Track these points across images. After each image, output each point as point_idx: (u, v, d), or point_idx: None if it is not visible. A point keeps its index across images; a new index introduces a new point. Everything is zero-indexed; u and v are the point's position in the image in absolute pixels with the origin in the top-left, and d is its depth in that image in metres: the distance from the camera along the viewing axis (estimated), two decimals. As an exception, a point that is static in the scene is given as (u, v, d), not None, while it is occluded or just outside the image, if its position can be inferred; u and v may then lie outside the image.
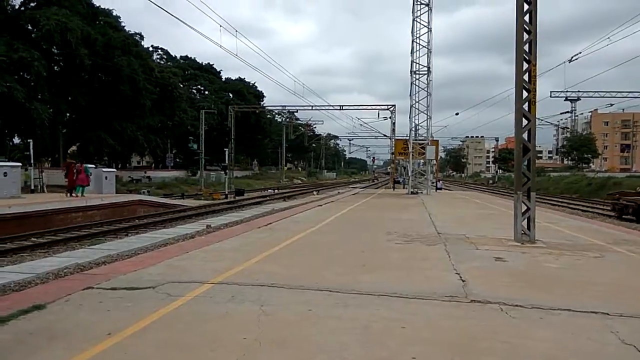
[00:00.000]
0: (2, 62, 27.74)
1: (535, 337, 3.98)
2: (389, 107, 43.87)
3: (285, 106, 53.56)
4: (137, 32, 43.80)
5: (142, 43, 44.89)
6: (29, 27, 33.19)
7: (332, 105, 49.14)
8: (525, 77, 9.18)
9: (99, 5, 39.94)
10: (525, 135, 9.26)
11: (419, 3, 27.91)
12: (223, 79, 69.36)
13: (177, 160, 62.59)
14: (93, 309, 4.57)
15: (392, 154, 39.79)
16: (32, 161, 26.08)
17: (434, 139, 34.63)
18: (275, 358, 3.45)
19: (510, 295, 5.22)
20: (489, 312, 4.66)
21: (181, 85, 53.15)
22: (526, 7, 9.18)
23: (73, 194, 20.77)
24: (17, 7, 33.82)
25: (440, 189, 37.69)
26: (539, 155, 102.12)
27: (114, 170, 28.90)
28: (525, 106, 9.21)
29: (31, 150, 25.80)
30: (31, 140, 26.49)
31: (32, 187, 24.95)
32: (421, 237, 9.71)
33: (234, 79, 70.98)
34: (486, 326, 4.24)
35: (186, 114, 49.97)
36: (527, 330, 4.14)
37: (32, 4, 34.78)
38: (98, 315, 4.36)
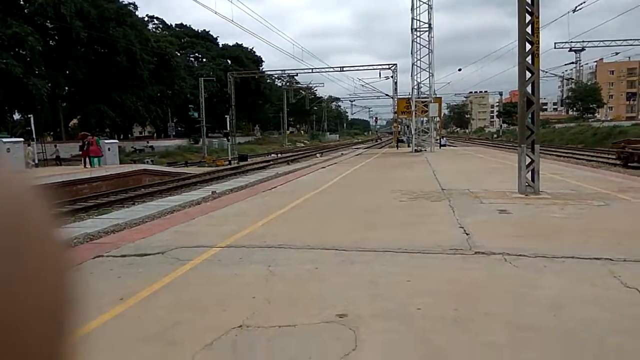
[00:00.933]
0: (-4, 38, 27.36)
1: (539, 285, 4.04)
2: (390, 66, 43.18)
3: (284, 70, 53.25)
4: (130, 2, 42.83)
5: (137, 13, 43.95)
6: (22, 3, 32.56)
7: (333, 67, 48.55)
8: (528, 29, 8.98)
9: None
10: (529, 89, 9.14)
11: (417, -45, 27.02)
12: (220, 46, 68.08)
13: (179, 129, 62.24)
14: (104, 276, 4.67)
15: (395, 113, 39.43)
16: (34, 136, 26.08)
17: (437, 96, 34.27)
18: (284, 315, 3.53)
19: (514, 245, 5.27)
20: (493, 262, 4.72)
21: (178, 54, 52.30)
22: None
23: (87, 166, 21.10)
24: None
25: (445, 145, 37.53)
26: (543, 107, 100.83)
27: (116, 141, 28.88)
28: (529, 59, 9.04)
29: (32, 126, 25.76)
30: (31, 115, 26.41)
31: (36, 162, 25.07)
32: (425, 193, 9.74)
33: (231, 45, 69.69)
34: (490, 276, 4.30)
35: (185, 82, 49.41)
36: (531, 279, 4.20)
37: (23, -22, 33.97)
38: (109, 282, 4.45)
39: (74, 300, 0.28)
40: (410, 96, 31.32)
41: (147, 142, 46.38)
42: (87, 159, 21.43)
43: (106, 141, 25.70)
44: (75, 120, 45.30)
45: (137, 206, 13.46)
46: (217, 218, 7.88)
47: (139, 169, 23.21)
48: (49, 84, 32.05)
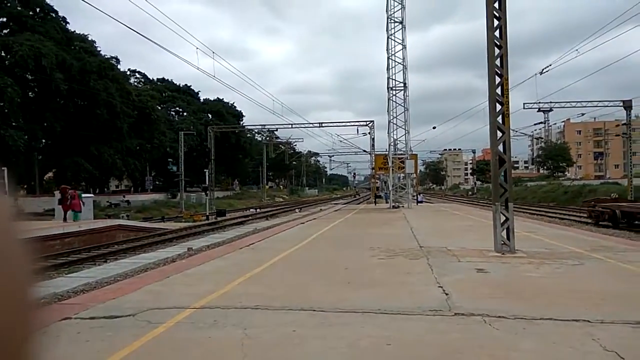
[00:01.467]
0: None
1: (518, 349, 3.99)
2: (368, 123, 44.31)
3: (264, 125, 53.80)
4: (113, 56, 43.60)
5: (119, 67, 44.66)
6: (2, 54, 32.73)
7: (312, 123, 49.34)
8: (498, 90, 9.38)
9: (74, 31, 39.69)
10: (500, 147, 9.43)
11: (392, 21, 28.44)
12: (201, 100, 69.21)
13: (157, 182, 61.72)
14: (71, 340, 4.44)
15: (373, 169, 40.05)
16: (6, 189, 25.46)
17: (413, 153, 35.08)
18: (259, 383, 3.38)
19: (493, 306, 5.25)
20: (472, 324, 4.67)
21: (159, 108, 52.88)
22: (496, 22, 9.42)
23: (67, 220, 20.74)
24: (-11, 34, 33.43)
25: (421, 202, 37.96)
26: (515, 165, 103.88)
27: (92, 195, 28.41)
28: (500, 119, 9.38)
29: (5, 178, 25.20)
30: (6, 168, 25.91)
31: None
32: (404, 251, 9.73)
33: (212, 99, 70.87)
34: (470, 339, 4.24)
35: (165, 136, 49.62)
36: (510, 342, 4.15)
37: (4, 31, 34.37)
38: (77, 347, 4.23)
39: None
40: (387, 152, 31.94)
41: (124, 196, 45.67)
42: (66, 213, 21.11)
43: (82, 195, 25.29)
44: (50, 174, 44.60)
45: (109, 264, 13.05)
46: (193, 276, 7.68)
47: (114, 225, 22.72)
48: (26, 136, 31.76)
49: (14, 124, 31.83)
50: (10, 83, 29.62)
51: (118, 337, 4.45)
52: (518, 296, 5.81)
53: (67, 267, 13.75)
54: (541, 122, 76.73)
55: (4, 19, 34.15)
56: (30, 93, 35.12)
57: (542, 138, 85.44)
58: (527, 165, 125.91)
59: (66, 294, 7.55)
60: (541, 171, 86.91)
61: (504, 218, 9.28)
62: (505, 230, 9.29)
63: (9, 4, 33.45)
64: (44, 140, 38.05)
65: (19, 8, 34.30)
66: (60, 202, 21.82)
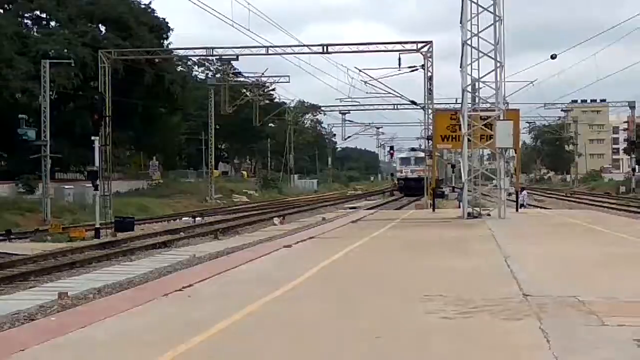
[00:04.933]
0: None
1: None
2: (421, 46, 44.27)
3: (212, 48, 53.46)
4: None
5: None
6: None
7: (309, 46, 49.28)
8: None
9: None
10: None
11: None
12: (86, -3, 69.10)
13: (-3, 162, 61.92)
14: None
15: (429, 139, 40.09)
16: None
17: (511, 108, 35.02)
18: None
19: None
20: None
21: (0, 11, 52.78)
22: None
23: None
24: None
25: (525, 205, 38.07)
26: None
27: None
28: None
29: None
30: None
31: None
32: (491, 303, 9.75)
33: (107, -5, 70.75)
34: None
35: (12, 68, 49.60)
36: None
37: None
38: None
39: None
40: (459, 107, 31.91)
41: None
42: None
43: None
44: None
45: None
46: (71, 350, 7.72)
47: None
48: None
49: None
50: None
51: None
52: None
53: None
54: None
55: None
56: None
57: None
58: None
59: None
60: None
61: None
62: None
63: None
64: None
65: None
66: None
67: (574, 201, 65.42)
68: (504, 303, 9.84)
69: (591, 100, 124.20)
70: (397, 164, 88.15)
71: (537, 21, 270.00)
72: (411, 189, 69.53)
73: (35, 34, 61.88)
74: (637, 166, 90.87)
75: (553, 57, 53.06)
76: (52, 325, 9.42)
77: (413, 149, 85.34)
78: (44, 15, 64.72)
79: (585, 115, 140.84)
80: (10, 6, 59.33)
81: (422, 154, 71.17)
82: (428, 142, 42.76)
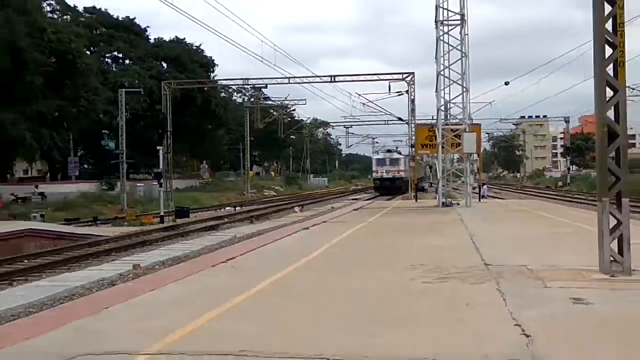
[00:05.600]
0: None
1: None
2: (406, 76, 44.22)
3: (247, 79, 53.55)
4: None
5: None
6: None
7: (320, 77, 49.29)
8: (609, 25, 9.14)
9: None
10: (610, 114, 9.28)
11: None
12: (152, 41, 69.19)
13: (86, 166, 62.14)
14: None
15: (412, 146, 39.98)
16: None
17: (474, 122, 34.93)
18: None
19: (601, 359, 5.23)
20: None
21: (88, 53, 52.88)
22: None
23: None
24: None
25: (486, 197, 37.91)
26: (631, 141, 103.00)
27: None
28: (610, 69, 9.20)
29: None
30: None
31: None
32: (461, 271, 9.72)
33: (168, 40, 70.76)
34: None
35: (97, 95, 49.78)
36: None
37: None
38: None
39: None
40: (434, 122, 31.84)
41: (36, 187, 46.02)
42: None
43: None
44: None
45: (16, 288, 13.21)
46: (143, 307, 7.75)
47: (22, 230, 22.96)
48: None
49: None
50: None
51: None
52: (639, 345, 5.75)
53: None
54: (671, 76, 76.32)
55: None
56: None
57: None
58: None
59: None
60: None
61: (615, 221, 9.19)
62: (616, 241, 9.19)
63: None
64: None
65: None
66: None
67: (523, 193, 65.24)
68: (470, 271, 9.81)
69: (535, 116, 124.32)
70: (373, 164, 76.40)
71: (494, 55, 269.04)
72: (386, 188, 63.32)
73: (113, 69, 62.17)
74: (570, 166, 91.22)
75: (506, 83, 53.52)
76: (128, 289, 9.48)
77: (389, 151, 77.29)
78: (120, 55, 65.04)
79: (531, 128, 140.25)
80: (95, 49, 59.52)
81: (398, 156, 69.79)
82: (411, 149, 42.57)
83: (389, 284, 8.94)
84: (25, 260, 18.97)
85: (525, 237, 15.23)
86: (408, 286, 8.73)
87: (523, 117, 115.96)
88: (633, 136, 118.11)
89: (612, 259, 9.13)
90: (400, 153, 72.06)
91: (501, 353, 5.36)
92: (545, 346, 5.56)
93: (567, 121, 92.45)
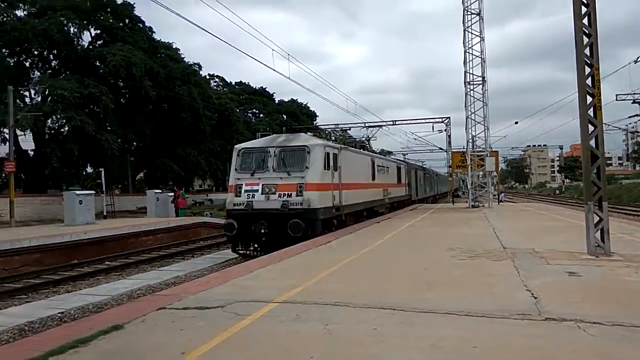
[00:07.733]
0: (75, 98, 29.80)
1: (619, 357, 3.74)
2: (444, 119, 42.97)
3: (337, 125, 53.78)
4: (195, 62, 45.87)
5: (200, 72, 46.88)
6: (97, 64, 35.51)
7: (385, 121, 48.81)
8: (588, 81, 8.77)
9: (160, 39, 42.26)
10: (592, 143, 8.82)
11: (469, 13, 27.46)
12: (276, 102, 70.87)
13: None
14: (167, 328, 4.77)
15: (450, 167, 38.93)
16: (104, 189, 27.73)
17: (493, 149, 33.64)
18: (344, 377, 3.44)
19: (587, 311, 4.95)
20: (565, 330, 4.44)
21: (237, 110, 54.78)
22: (584, 9, 8.83)
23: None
24: (85, 46, 36.40)
25: (502, 201, 36.40)
26: (608, 162, 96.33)
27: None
28: (590, 112, 8.79)
29: (103, 179, 27.45)
30: (102, 169, 28.21)
31: (105, 213, 26.45)
32: (486, 252, 9.40)
33: (286, 101, 72.34)
34: (563, 344, 4.03)
35: (243, 136, 51.23)
36: (607, 349, 3.90)
37: (99, 42, 37.33)
38: (172, 335, 4.54)
39: None
40: (465, 150, 30.93)
41: (207, 195, 47.98)
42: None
43: (169, 194, 26.96)
44: (141, 174, 47.79)
45: (196, 258, 13.83)
46: (277, 271, 7.94)
47: (198, 222, 23.99)
48: (119, 139, 34.33)
49: (109, 128, 34.51)
50: (105, 91, 32.12)
51: (209, 327, 4.73)
52: (615, 301, 5.43)
53: (159, 261, 14.71)
54: (636, 115, 70.68)
55: (98, 31, 37.05)
56: (122, 99, 37.91)
57: (637, 132, 78.47)
58: (621, 162, 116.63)
59: (159, 286, 8.11)
60: (638, 168, 79.95)
61: (598, 218, 8.68)
62: (599, 232, 8.69)
63: (101, 17, 36.19)
64: (135, 143, 40.91)
65: (110, 20, 37.05)
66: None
67: (530, 199, 62.26)
68: (493, 252, 9.47)
69: (538, 145, 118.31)
70: None
71: (507, 103, 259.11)
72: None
73: (253, 120, 63.99)
74: (564, 180, 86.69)
75: (516, 122, 51.37)
76: (271, 257, 9.64)
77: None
78: (256, 111, 66.93)
79: (535, 153, 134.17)
80: (241, 107, 61.55)
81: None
82: (449, 169, 41.50)
83: (435, 259, 8.77)
84: (201, 242, 19.84)
85: (532, 228, 14.56)
86: (449, 261, 8.53)
87: (529, 145, 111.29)
88: (610, 158, 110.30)
89: (596, 244, 8.67)
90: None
91: (517, 308, 5.18)
92: (547, 303, 5.34)
93: (561, 148, 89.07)
